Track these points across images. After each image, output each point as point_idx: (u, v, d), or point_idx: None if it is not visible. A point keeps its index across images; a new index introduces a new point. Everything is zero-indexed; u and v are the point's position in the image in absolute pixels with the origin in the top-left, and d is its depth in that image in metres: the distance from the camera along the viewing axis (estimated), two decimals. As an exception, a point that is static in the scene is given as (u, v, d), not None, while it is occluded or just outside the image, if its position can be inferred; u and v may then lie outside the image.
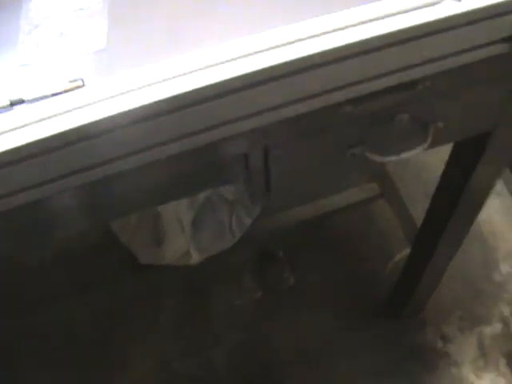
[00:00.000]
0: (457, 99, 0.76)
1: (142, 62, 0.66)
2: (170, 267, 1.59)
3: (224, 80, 0.56)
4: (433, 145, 0.78)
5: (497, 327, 1.56)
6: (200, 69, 0.57)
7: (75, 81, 0.65)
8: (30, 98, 0.64)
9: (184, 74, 0.56)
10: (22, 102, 0.64)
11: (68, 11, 0.74)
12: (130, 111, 0.55)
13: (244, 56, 0.56)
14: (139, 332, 1.56)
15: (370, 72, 0.62)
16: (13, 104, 0.64)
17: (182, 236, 1.50)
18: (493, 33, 0.65)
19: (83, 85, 0.64)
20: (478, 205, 1.10)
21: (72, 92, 0.64)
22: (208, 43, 0.63)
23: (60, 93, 0.64)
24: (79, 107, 0.58)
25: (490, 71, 0.72)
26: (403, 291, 1.50)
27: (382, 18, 0.58)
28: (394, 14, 0.58)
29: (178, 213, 1.48)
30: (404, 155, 0.75)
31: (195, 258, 1.53)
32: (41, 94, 0.65)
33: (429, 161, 1.74)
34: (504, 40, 0.66)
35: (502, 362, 1.51)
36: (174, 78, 0.56)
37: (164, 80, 0.56)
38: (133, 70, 0.65)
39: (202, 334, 1.56)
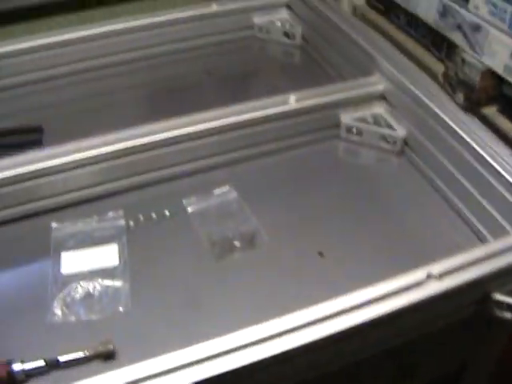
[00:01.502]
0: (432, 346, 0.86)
1: (164, 324, 0.75)
2: None
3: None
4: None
5: None
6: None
7: (106, 344, 0.72)
8: (63, 359, 0.71)
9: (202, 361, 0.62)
10: (56, 361, 0.70)
11: (93, 271, 0.83)
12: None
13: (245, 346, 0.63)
14: None
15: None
16: (48, 364, 0.70)
17: None
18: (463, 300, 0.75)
19: (113, 349, 0.71)
20: None
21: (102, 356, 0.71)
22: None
23: (92, 356, 0.71)
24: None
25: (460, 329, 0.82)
26: None
27: (369, 303, 0.67)
28: (383, 297, 0.67)
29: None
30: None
31: None
32: (74, 357, 0.71)
33: None
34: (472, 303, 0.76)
35: None
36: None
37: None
38: (156, 330, 0.73)
39: None
